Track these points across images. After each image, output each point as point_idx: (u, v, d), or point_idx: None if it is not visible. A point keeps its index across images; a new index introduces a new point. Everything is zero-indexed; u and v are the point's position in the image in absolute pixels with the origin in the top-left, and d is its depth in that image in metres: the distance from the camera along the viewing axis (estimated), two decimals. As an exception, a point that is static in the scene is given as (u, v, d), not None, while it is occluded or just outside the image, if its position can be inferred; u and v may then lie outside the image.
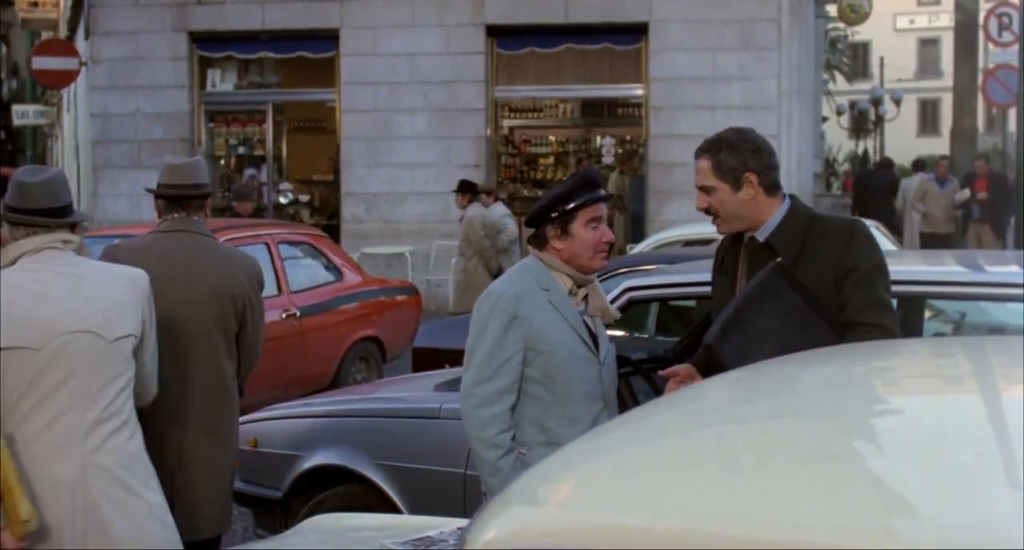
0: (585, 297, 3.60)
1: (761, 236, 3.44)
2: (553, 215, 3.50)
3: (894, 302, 3.39)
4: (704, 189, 3.45)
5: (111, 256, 4.05)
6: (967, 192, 15.96)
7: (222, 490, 4.22)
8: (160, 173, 4.29)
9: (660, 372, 3.59)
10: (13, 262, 3.38)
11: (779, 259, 3.32)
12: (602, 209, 3.56)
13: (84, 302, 3.35)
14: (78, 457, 3.26)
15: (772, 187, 3.44)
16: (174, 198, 4.21)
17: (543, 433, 3.46)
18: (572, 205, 3.49)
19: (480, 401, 3.46)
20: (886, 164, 19.39)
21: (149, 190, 4.34)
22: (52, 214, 3.42)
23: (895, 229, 15.67)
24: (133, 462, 3.38)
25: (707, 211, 3.49)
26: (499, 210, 11.77)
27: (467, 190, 11.63)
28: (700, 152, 3.47)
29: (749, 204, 3.41)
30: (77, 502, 3.25)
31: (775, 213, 3.43)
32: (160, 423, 3.89)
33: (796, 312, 3.23)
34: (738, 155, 3.41)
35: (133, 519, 3.32)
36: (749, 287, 3.32)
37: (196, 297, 4.09)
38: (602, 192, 3.59)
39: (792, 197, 3.51)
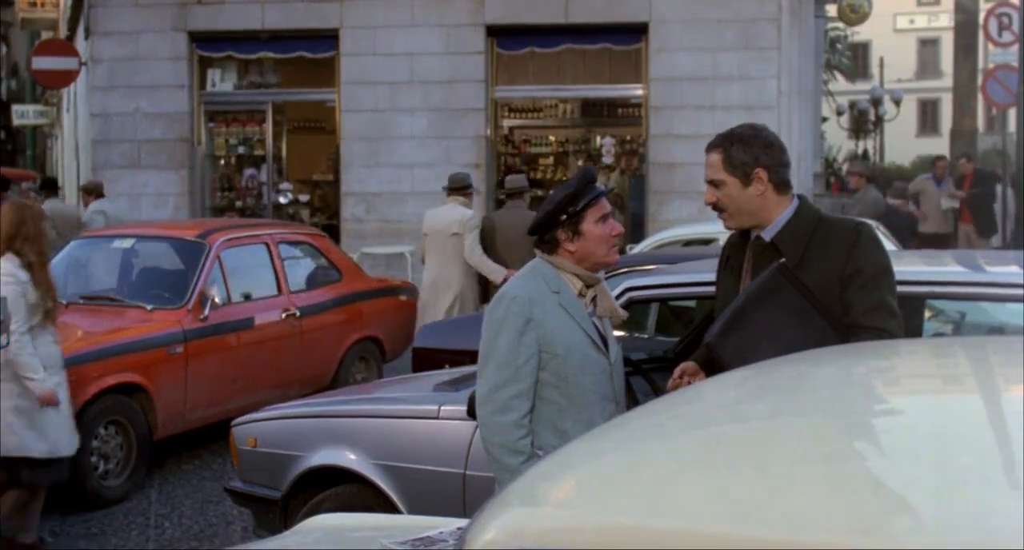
0: (593, 298, 3.60)
1: (767, 235, 3.43)
2: (562, 218, 3.51)
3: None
4: (713, 183, 3.45)
5: (485, 217, 9.71)
6: (955, 196, 15.91)
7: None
8: (505, 182, 10.02)
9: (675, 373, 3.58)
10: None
11: (782, 259, 3.31)
12: (607, 204, 3.57)
13: (440, 219, 9.24)
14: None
15: (782, 185, 3.44)
16: (509, 193, 9.63)
17: (559, 436, 3.41)
18: (580, 205, 3.50)
19: (498, 407, 3.43)
20: (989, 175, 17.67)
21: (502, 189, 10.22)
22: (452, 191, 9.36)
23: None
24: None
25: (714, 206, 3.49)
26: (95, 206, 12.31)
27: (45, 187, 12.76)
28: (711, 146, 3.47)
29: (757, 200, 3.40)
30: None
31: (783, 212, 3.42)
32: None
33: (798, 313, 3.22)
34: (749, 150, 3.40)
35: None
36: (751, 287, 3.31)
37: (511, 236, 9.03)
38: (603, 187, 3.61)
39: (801, 197, 3.50)
